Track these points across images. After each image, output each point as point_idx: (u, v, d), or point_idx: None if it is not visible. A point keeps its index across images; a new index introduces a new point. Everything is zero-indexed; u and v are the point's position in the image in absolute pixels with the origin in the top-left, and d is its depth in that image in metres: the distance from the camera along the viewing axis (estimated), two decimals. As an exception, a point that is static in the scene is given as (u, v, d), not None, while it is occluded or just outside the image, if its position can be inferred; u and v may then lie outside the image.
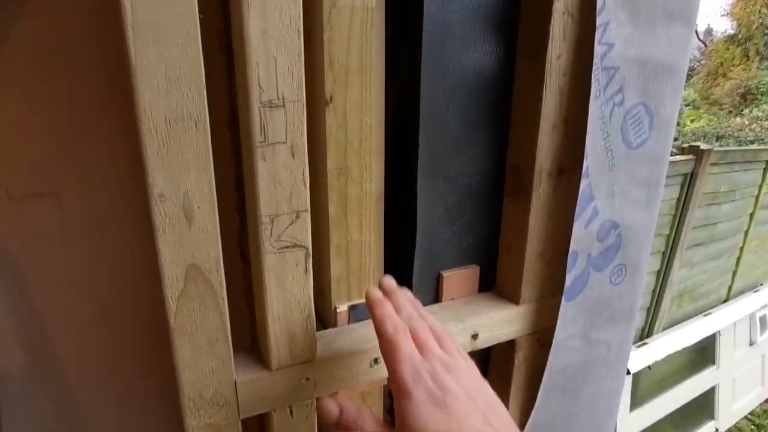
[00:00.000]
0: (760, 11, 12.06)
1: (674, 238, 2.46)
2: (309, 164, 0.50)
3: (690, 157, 2.31)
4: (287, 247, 0.41)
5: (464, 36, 0.48)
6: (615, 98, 0.51)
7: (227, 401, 0.43)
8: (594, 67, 0.48)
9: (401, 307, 0.41)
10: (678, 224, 2.45)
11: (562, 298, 0.54)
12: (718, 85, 10.92)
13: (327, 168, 0.45)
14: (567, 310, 0.56)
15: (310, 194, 0.52)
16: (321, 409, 0.38)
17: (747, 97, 8.56)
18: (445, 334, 0.40)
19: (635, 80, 0.52)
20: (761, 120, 4.89)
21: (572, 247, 0.53)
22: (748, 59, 11.31)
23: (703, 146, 2.31)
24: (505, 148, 0.54)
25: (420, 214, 0.52)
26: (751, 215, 2.97)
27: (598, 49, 0.48)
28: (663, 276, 2.53)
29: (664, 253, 2.48)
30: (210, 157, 0.36)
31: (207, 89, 0.34)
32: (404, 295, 0.43)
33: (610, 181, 0.54)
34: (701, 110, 9.99)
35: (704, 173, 2.37)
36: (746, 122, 4.87)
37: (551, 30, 0.47)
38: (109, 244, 0.76)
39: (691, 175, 2.34)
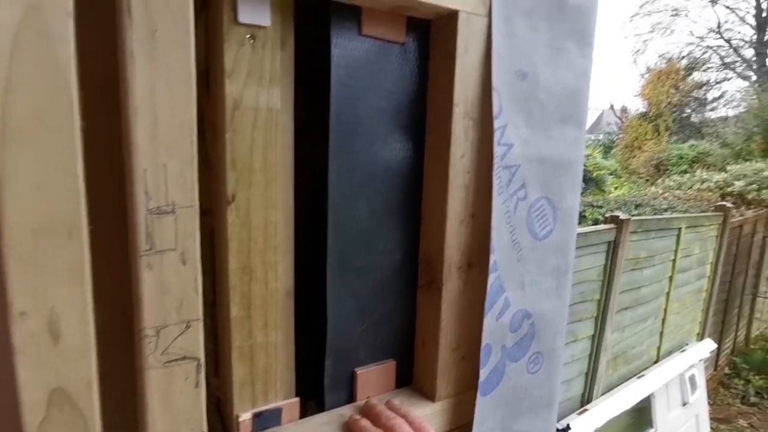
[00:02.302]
0: (668, 92, 13.67)
1: (604, 303, 2.57)
2: (213, 265, 0.48)
3: (612, 226, 2.47)
4: (175, 360, 0.38)
5: (372, 134, 0.50)
6: (518, 193, 0.54)
7: None
8: (495, 166, 0.50)
9: (379, 416, 0.48)
10: (606, 289, 2.57)
11: (478, 393, 0.53)
12: (634, 156, 12.04)
13: (228, 268, 0.43)
14: (483, 405, 0.55)
15: (214, 296, 0.49)
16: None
17: (660, 168, 9.48)
18: (424, 423, 0.48)
19: (536, 177, 0.55)
20: (672, 189, 5.42)
21: (484, 340, 0.53)
22: (658, 134, 12.64)
23: (621, 216, 2.48)
24: (417, 240, 0.54)
25: (330, 310, 0.50)
26: (671, 278, 3.17)
27: (498, 150, 0.51)
28: (597, 340, 2.60)
29: (596, 318, 2.57)
30: (86, 269, 0.33)
31: (100, 193, 0.33)
32: (381, 406, 0.50)
33: (520, 272, 0.56)
34: (623, 179, 10.90)
35: (625, 241, 2.54)
36: (660, 191, 5.37)
37: (453, 131, 0.49)
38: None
39: (614, 242, 2.49)
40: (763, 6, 13.37)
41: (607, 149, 13.86)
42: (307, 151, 0.48)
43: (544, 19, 0.53)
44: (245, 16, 0.41)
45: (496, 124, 0.50)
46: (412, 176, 0.53)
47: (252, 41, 0.42)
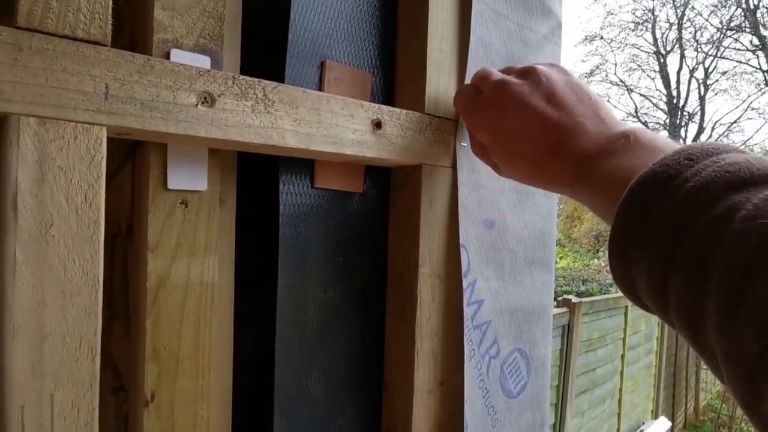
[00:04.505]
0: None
1: (563, 389, 2.52)
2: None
3: (565, 309, 2.48)
4: None
5: (326, 296, 0.43)
6: (490, 351, 0.49)
7: None
8: (465, 330, 0.45)
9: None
10: (564, 374, 2.53)
11: None
12: (575, 226, 12.71)
13: (140, 491, 0.34)
14: None
15: None
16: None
17: (600, 239, 10.02)
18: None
19: (507, 329, 0.50)
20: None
21: None
22: (594, 206, 13.47)
23: (573, 299, 2.51)
24: (379, 413, 0.47)
25: None
26: (622, 357, 3.20)
27: (468, 311, 0.45)
28: (559, 428, 2.52)
29: (556, 405, 2.51)
30: None
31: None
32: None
33: (495, 439, 0.49)
34: (566, 248, 11.38)
35: (578, 323, 2.55)
36: (603, 264, 5.60)
37: (419, 292, 0.44)
38: None
39: (568, 326, 2.50)
40: (674, 93, 15.14)
41: (549, 220, 14.57)
42: (249, 317, 0.41)
43: (508, 165, 0.50)
44: (176, 181, 0.35)
45: (465, 282, 0.45)
46: (372, 341, 0.46)
47: (184, 207, 0.36)
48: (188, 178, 0.35)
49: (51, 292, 0.26)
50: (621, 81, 16.22)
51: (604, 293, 3.83)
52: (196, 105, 0.31)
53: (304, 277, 0.42)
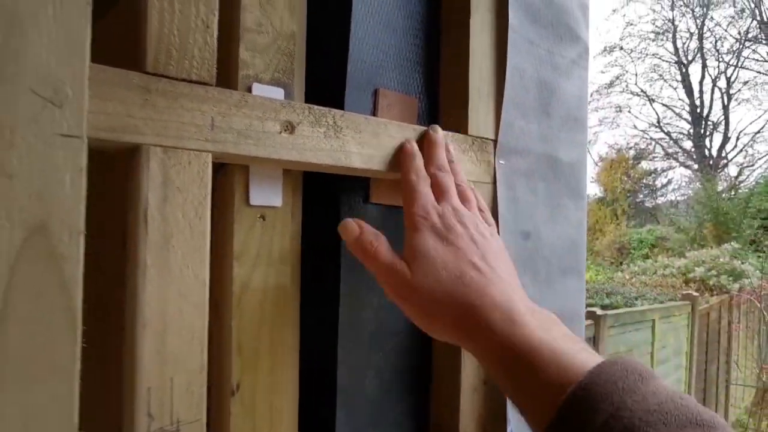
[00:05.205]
0: (621, 178, 14.63)
1: (589, 402, 2.49)
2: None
3: (590, 322, 2.47)
4: None
5: (380, 300, 0.48)
6: (529, 353, 0.52)
7: None
8: (507, 332, 0.49)
9: (435, 158, 0.43)
10: (590, 387, 2.51)
11: None
12: (597, 239, 12.53)
13: (227, 470, 0.38)
14: None
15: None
16: (342, 228, 0.40)
17: (623, 251, 9.87)
18: (469, 191, 0.43)
19: (545, 333, 0.54)
20: (638, 274, 5.62)
21: None
22: (617, 218, 13.30)
23: (598, 311, 2.50)
24: (428, 409, 0.51)
25: (337, 501, 0.45)
26: (651, 371, 3.15)
27: (509, 314, 0.49)
28: (585, 444, 2.49)
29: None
30: None
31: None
32: (443, 148, 0.44)
33: (535, 436, 0.53)
34: (589, 261, 11.22)
35: (605, 336, 2.53)
36: (627, 276, 5.55)
37: (464, 297, 0.48)
38: None
39: (594, 339, 2.48)
40: (697, 103, 14.91)
41: (570, 233, 14.38)
42: (313, 320, 0.46)
43: (542, 180, 0.54)
44: (257, 198, 0.40)
45: (506, 287, 0.49)
46: (420, 341, 0.50)
47: (262, 221, 0.41)
48: (267, 195, 0.41)
49: (171, 292, 0.31)
50: (642, 91, 16.08)
51: (629, 306, 3.80)
52: (280, 132, 0.36)
53: (361, 284, 0.47)
